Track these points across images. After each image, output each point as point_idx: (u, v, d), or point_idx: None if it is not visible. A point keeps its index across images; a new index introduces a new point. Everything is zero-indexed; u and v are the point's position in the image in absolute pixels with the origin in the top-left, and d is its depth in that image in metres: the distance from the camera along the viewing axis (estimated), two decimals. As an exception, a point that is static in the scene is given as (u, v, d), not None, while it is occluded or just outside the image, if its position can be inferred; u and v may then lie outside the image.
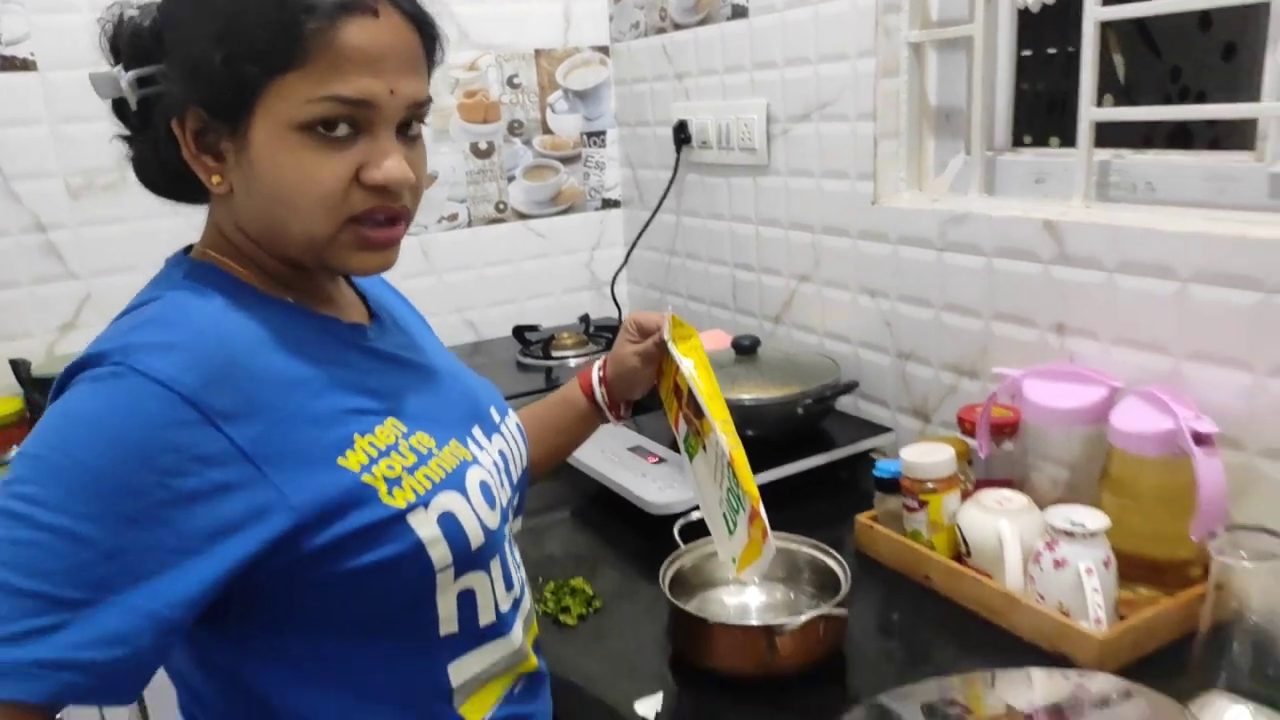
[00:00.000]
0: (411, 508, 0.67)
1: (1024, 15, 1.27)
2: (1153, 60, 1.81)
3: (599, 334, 1.86)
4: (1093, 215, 1.09)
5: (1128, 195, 1.13)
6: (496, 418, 0.84)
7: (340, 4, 0.62)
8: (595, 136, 2.07)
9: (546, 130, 2.02)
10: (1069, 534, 0.93)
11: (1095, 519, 0.93)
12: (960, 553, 1.06)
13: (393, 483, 0.67)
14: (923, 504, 1.07)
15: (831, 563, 1.00)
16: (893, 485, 1.12)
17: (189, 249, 0.75)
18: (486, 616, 0.75)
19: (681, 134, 1.77)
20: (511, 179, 2.00)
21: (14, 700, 0.54)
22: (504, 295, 2.02)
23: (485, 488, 0.74)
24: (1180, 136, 1.72)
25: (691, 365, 0.90)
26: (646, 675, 0.96)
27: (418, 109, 0.69)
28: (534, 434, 0.96)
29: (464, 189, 1.94)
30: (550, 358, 1.75)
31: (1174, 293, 0.99)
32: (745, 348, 1.40)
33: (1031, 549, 0.97)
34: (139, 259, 1.62)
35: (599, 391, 0.98)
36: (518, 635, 0.79)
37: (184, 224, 0.82)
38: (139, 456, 0.57)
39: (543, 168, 2.03)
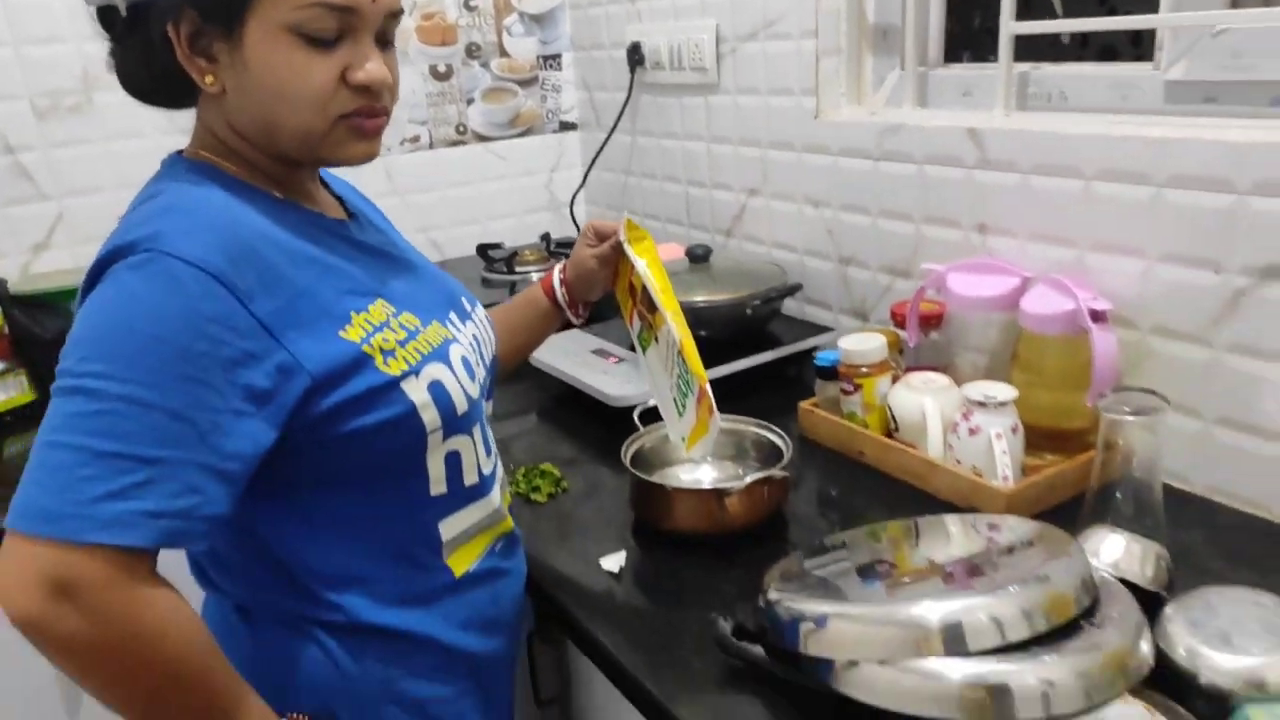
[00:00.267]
0: (404, 375, 0.76)
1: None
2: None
3: (560, 251, 1.94)
4: (1011, 123, 1.19)
5: (1044, 105, 1.23)
6: (468, 306, 0.93)
7: None
8: (551, 59, 2.11)
9: (503, 53, 2.06)
10: (982, 405, 1.05)
11: (1005, 391, 1.05)
12: (890, 429, 1.18)
13: (387, 354, 0.75)
14: (857, 387, 1.19)
15: (774, 438, 1.12)
16: (831, 372, 1.24)
17: (179, 152, 0.80)
18: (470, 477, 0.84)
19: (635, 55, 1.83)
20: (470, 101, 2.04)
21: (131, 546, 0.62)
22: (467, 216, 2.09)
23: (466, 362, 0.83)
24: (1109, 52, 1.82)
25: (645, 265, 0.98)
26: (611, 539, 1.08)
27: (393, 19, 0.76)
28: (500, 332, 1.03)
29: (424, 111, 1.99)
30: (514, 273, 1.83)
31: (1079, 190, 1.10)
32: (698, 256, 1.49)
33: (951, 421, 1.09)
34: (108, 180, 1.65)
35: (560, 292, 1.06)
36: (496, 497, 0.89)
37: (151, 145, 0.87)
38: (188, 328, 0.64)
39: (501, 90, 2.08)
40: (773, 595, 0.82)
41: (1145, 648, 0.74)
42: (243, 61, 0.71)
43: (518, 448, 1.32)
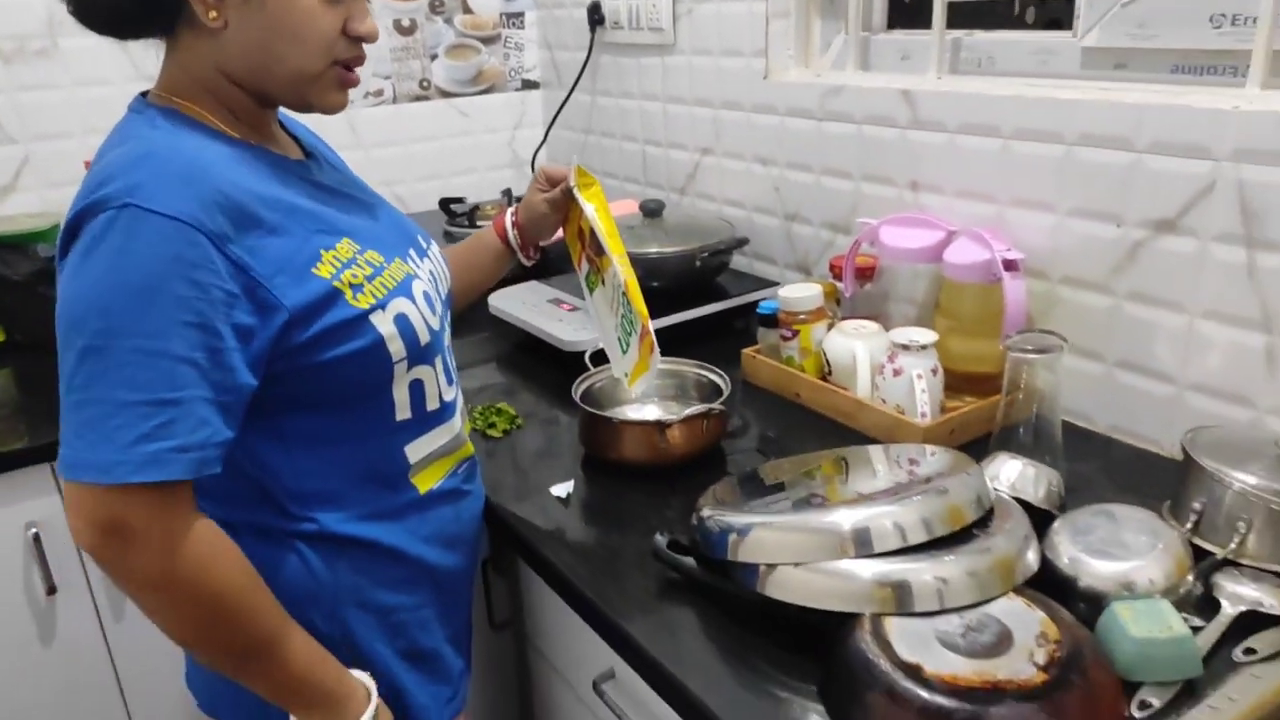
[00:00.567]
0: (372, 309, 0.81)
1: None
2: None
3: (520, 207, 1.99)
4: (941, 85, 1.27)
5: (974, 69, 1.31)
6: (424, 244, 0.98)
7: None
8: (514, 17, 2.15)
9: (467, 10, 2.09)
10: (905, 348, 1.14)
11: (926, 335, 1.14)
12: (825, 373, 1.26)
13: (356, 289, 0.81)
14: (795, 333, 1.27)
15: (715, 377, 1.20)
16: (771, 320, 1.32)
17: (144, 94, 0.83)
18: (432, 403, 0.91)
19: (595, 15, 1.88)
20: (434, 57, 2.08)
21: (171, 480, 0.70)
22: (429, 171, 2.13)
23: (427, 296, 0.89)
24: (1054, 25, 1.89)
25: (594, 210, 1.04)
26: (561, 470, 1.15)
27: None
28: (454, 269, 1.08)
29: (388, 65, 2.02)
30: (475, 227, 1.88)
31: (999, 149, 1.18)
32: (651, 210, 1.56)
33: (878, 364, 1.18)
34: (75, 125, 1.67)
35: (512, 234, 1.12)
36: (458, 423, 0.96)
37: (118, 92, 0.91)
38: (177, 277, 0.70)
39: (464, 47, 2.11)
40: (705, 513, 0.90)
41: (1031, 555, 0.83)
42: (259, 2, 0.76)
43: (477, 391, 1.38)
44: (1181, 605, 0.81)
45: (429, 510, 0.92)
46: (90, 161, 0.79)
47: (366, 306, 0.81)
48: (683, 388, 1.24)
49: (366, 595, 0.89)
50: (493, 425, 1.25)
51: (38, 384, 1.49)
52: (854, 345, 1.20)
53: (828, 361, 1.25)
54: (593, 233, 1.03)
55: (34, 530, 1.30)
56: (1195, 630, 0.79)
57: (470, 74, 2.13)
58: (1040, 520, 0.89)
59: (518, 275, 1.63)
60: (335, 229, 0.83)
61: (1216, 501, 0.90)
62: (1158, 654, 0.75)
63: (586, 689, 1.00)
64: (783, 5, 1.50)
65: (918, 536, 0.80)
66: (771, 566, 0.82)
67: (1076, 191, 1.11)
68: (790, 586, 0.81)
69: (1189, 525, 0.91)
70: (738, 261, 1.63)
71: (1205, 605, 0.83)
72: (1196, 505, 0.91)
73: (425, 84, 2.08)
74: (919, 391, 1.12)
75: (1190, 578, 0.83)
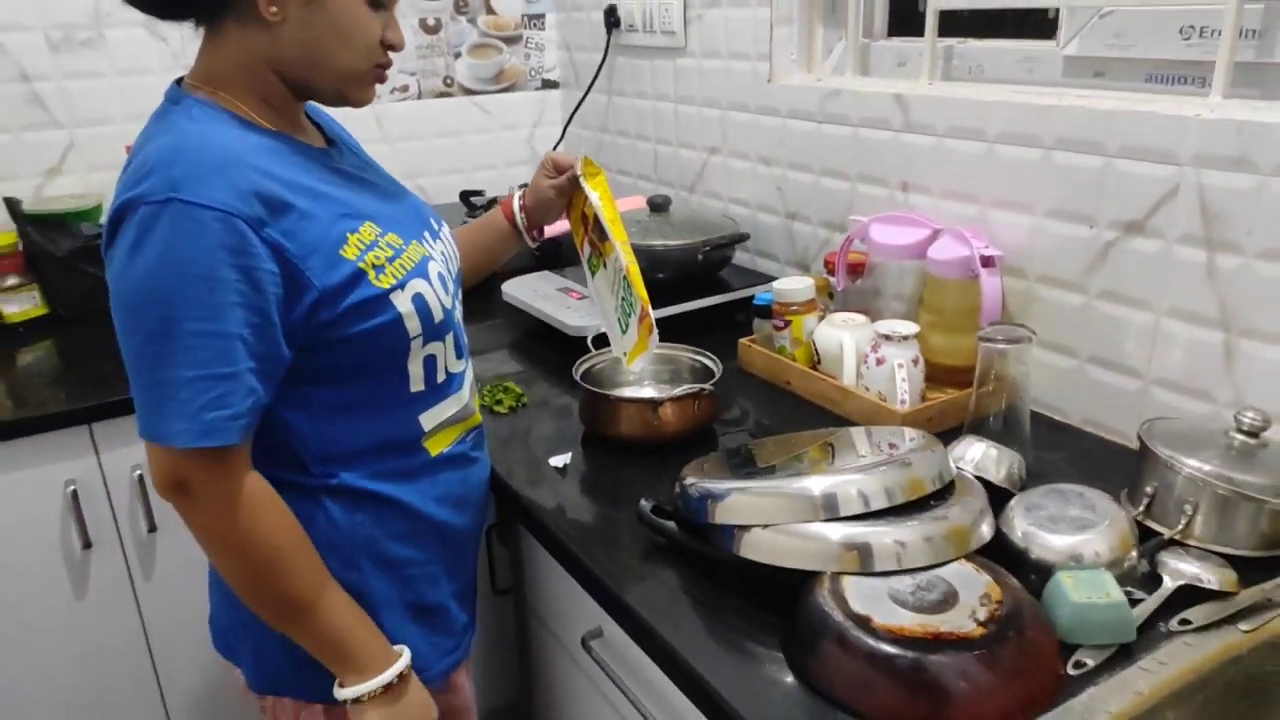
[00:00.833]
0: (393, 289, 0.89)
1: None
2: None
3: (536, 201, 2.07)
4: (932, 91, 1.33)
5: (965, 75, 1.37)
6: (436, 226, 1.06)
7: None
8: (535, 19, 2.23)
9: (490, 10, 2.18)
10: (888, 338, 1.20)
11: (907, 327, 1.20)
12: (814, 362, 1.33)
13: (379, 270, 0.88)
14: (787, 323, 1.34)
15: (708, 362, 1.27)
16: (766, 311, 1.39)
17: (179, 81, 0.90)
18: (442, 375, 0.99)
19: (611, 18, 1.96)
20: (458, 55, 2.17)
21: (230, 445, 0.80)
22: (451, 165, 2.22)
23: (441, 277, 0.97)
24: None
25: (598, 198, 1.10)
26: (561, 443, 1.23)
27: None
28: (462, 249, 1.14)
29: (414, 62, 2.11)
30: (492, 219, 1.96)
31: (983, 152, 1.25)
32: (658, 205, 1.63)
33: (863, 354, 1.25)
34: (117, 112, 1.78)
35: (519, 217, 1.19)
36: (466, 393, 1.03)
37: (157, 82, 0.96)
38: (222, 263, 0.78)
39: (487, 46, 2.20)
40: (688, 480, 0.97)
41: (985, 527, 0.90)
42: (320, 4, 0.84)
43: (488, 372, 1.46)
44: (1126, 580, 0.87)
45: (439, 473, 1.00)
46: (130, 147, 0.87)
47: (387, 286, 0.88)
48: (677, 371, 1.31)
49: (381, 547, 0.96)
50: (499, 402, 1.32)
51: (77, 353, 1.59)
52: (841, 335, 1.27)
53: (817, 351, 1.32)
54: (596, 219, 1.09)
55: (72, 487, 1.40)
56: (1136, 602, 0.85)
57: (492, 72, 2.22)
58: (1002, 499, 0.96)
59: (531, 265, 1.72)
60: (359, 213, 0.90)
61: (1168, 486, 0.96)
62: (1095, 618, 0.81)
63: (576, 646, 1.08)
64: (786, 12, 1.57)
65: (880, 503, 0.86)
66: (745, 528, 0.89)
67: (1053, 193, 1.17)
68: (764, 547, 0.88)
69: (1141, 508, 0.97)
70: (741, 258, 1.70)
71: (1151, 582, 0.89)
72: (1149, 489, 0.97)
73: (449, 81, 2.17)
74: (899, 380, 1.18)
75: (1134, 554, 0.89)
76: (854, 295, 1.39)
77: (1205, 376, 1.07)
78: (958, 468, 0.99)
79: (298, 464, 0.92)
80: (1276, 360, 1.01)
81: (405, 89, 2.12)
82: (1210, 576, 0.88)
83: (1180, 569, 0.90)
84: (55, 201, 1.71)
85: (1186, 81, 1.12)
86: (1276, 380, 1.01)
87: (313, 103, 0.96)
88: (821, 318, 1.34)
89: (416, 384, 0.96)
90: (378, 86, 0.95)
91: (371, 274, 0.87)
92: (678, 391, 1.16)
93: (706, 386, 1.18)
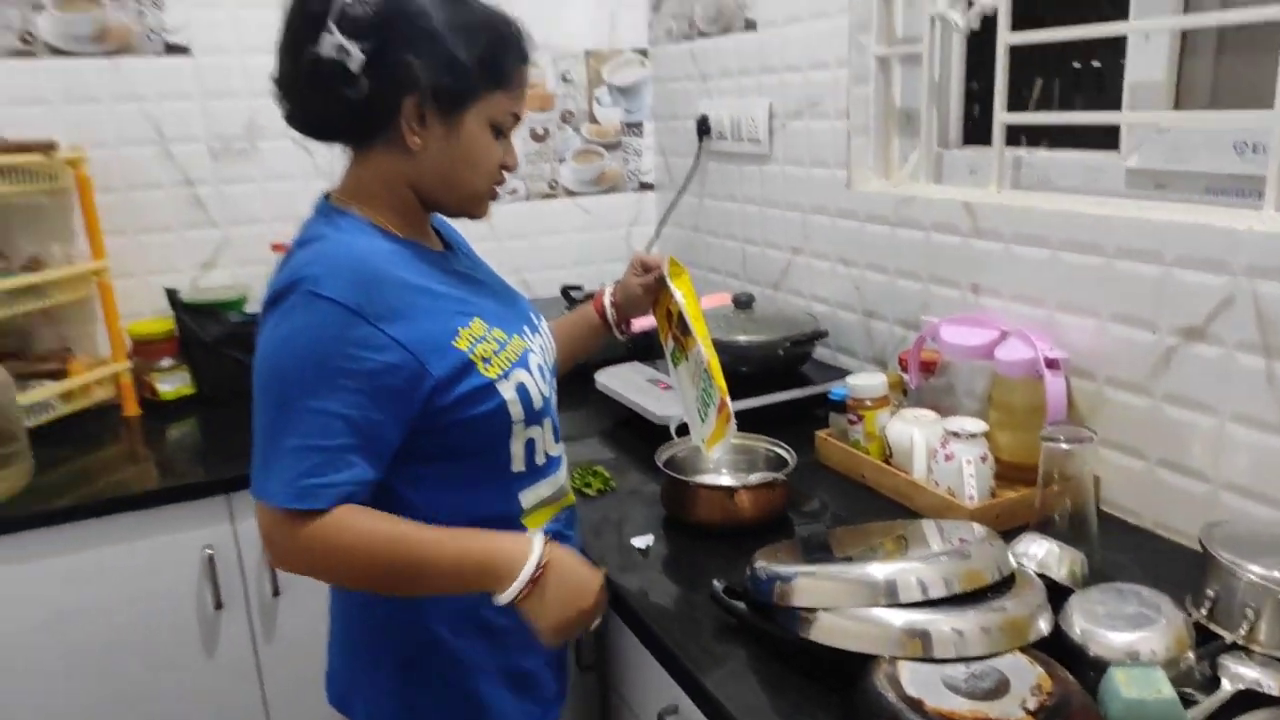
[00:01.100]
0: (499, 379, 1.00)
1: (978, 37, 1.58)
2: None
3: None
4: (999, 199, 1.41)
5: (1033, 184, 1.45)
6: (535, 321, 1.18)
7: (526, 54, 1.01)
8: (634, 127, 2.41)
9: (593, 120, 2.37)
10: (956, 435, 1.26)
11: (975, 425, 1.26)
12: (887, 456, 1.39)
13: (486, 361, 1.00)
14: (860, 418, 1.41)
15: (783, 452, 1.35)
16: (841, 406, 1.46)
17: (327, 195, 1.04)
18: (541, 458, 1.09)
19: (703, 127, 2.11)
20: (562, 160, 2.36)
21: (325, 508, 0.90)
22: (554, 261, 2.39)
23: (540, 368, 1.08)
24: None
25: (682, 295, 1.20)
26: (643, 525, 1.32)
27: None
28: (559, 341, 1.25)
29: (523, 168, 2.31)
30: (588, 311, 2.10)
31: (1048, 258, 1.31)
32: (742, 303, 1.73)
33: (933, 450, 1.30)
34: (265, 213, 2.01)
35: (609, 311, 1.30)
36: (562, 475, 1.14)
37: (300, 186, 1.13)
38: (340, 352, 0.90)
39: (589, 152, 2.38)
40: (758, 564, 1.05)
41: (1044, 621, 0.94)
42: (456, 135, 0.98)
43: (579, 457, 1.57)
44: (1184, 680, 0.89)
45: None
46: (277, 244, 1.01)
47: (495, 376, 1.00)
48: (754, 461, 1.39)
49: (483, 614, 1.05)
50: (589, 485, 1.43)
51: (219, 431, 1.78)
52: (912, 431, 1.33)
53: (889, 445, 1.38)
54: (680, 315, 1.19)
55: (209, 551, 1.57)
56: (1193, 704, 0.87)
57: (593, 175, 2.40)
58: (1064, 596, 0.99)
59: (623, 355, 1.84)
60: (470, 310, 1.02)
61: (1230, 590, 0.98)
62: (1146, 714, 0.83)
63: (653, 720, 1.14)
64: (862, 123, 1.68)
65: (938, 591, 0.92)
66: (811, 611, 0.95)
67: (1116, 299, 1.22)
68: (827, 630, 0.94)
69: (1204, 611, 0.99)
70: (822, 354, 1.78)
71: (1210, 685, 0.90)
72: (1210, 592, 0.99)
73: (553, 184, 2.36)
74: (967, 476, 1.23)
75: (1191, 654, 0.91)
76: (927, 392, 1.45)
77: (1271, 481, 1.09)
78: (1020, 563, 1.03)
79: None
80: (1343, 466, 1.02)
81: (514, 191, 2.31)
82: (1271, 682, 0.90)
83: (1241, 673, 0.91)
84: (208, 292, 1.93)
85: (1245, 194, 1.17)
86: (1344, 486, 1.03)
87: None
88: (894, 413, 1.41)
89: (518, 464, 1.05)
90: None
91: (480, 365, 0.98)
92: (753, 479, 1.24)
93: (780, 476, 1.26)
